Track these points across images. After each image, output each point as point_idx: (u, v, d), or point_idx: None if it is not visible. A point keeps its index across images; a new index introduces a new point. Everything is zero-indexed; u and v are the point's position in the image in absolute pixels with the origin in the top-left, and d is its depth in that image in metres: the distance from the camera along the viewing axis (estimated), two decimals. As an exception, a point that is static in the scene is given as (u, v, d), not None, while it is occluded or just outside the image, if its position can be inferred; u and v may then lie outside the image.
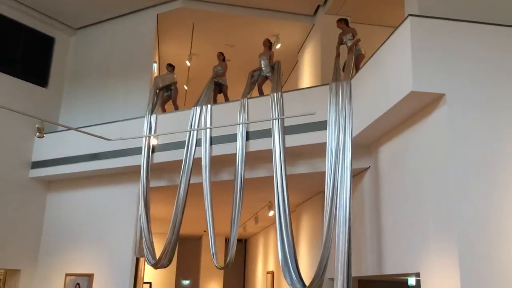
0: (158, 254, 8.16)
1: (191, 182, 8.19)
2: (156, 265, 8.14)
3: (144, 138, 8.60)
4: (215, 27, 11.15)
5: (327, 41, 9.90)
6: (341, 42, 8.00)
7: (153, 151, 8.61)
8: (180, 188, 8.12)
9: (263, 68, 8.95)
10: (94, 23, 11.01)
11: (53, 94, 10.58)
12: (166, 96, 9.74)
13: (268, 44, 9.25)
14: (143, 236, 8.29)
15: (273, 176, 7.34)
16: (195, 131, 8.23)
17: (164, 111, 9.64)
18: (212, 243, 7.79)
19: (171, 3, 10.34)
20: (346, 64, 7.51)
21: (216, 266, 7.82)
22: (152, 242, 8.28)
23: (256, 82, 9.07)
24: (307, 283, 6.55)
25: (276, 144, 7.35)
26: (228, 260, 7.58)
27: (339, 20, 8.12)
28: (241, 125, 7.81)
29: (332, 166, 6.61)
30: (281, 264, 6.88)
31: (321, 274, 6.42)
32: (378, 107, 6.10)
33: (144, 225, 8.29)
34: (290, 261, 6.81)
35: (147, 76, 10.10)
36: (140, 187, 8.54)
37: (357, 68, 7.36)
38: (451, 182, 5.12)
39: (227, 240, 18.01)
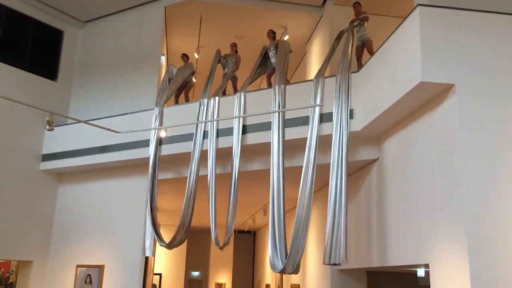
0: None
1: (202, 174, 8.22)
2: (168, 246, 8.35)
3: (153, 130, 8.62)
4: (223, 19, 11.11)
5: (336, 32, 9.77)
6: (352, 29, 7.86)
7: (160, 143, 8.63)
8: (190, 178, 8.16)
9: (272, 60, 8.92)
10: (102, 16, 11.03)
11: (62, 87, 10.64)
12: (184, 87, 9.77)
13: (272, 35, 9.18)
14: (149, 224, 8.42)
15: (287, 167, 7.40)
16: (208, 123, 8.26)
17: (177, 103, 9.66)
18: (213, 230, 7.89)
19: (179, -5, 10.34)
20: (345, 53, 7.43)
21: (216, 246, 7.98)
22: (158, 230, 8.42)
23: (263, 73, 9.05)
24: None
25: (274, 136, 7.37)
26: (224, 242, 7.78)
27: (358, 4, 7.96)
28: (238, 118, 7.85)
29: (305, 158, 6.91)
30: (270, 251, 7.00)
31: (293, 259, 6.62)
32: (386, 98, 6.07)
33: (149, 215, 8.42)
34: (279, 249, 6.92)
35: (156, 68, 10.12)
36: (148, 178, 8.57)
37: (371, 53, 7.30)
38: (460, 173, 5.10)
39: (236, 232, 18.18)
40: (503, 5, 5.91)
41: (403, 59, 5.79)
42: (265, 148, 7.78)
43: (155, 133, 8.62)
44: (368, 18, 7.73)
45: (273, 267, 6.93)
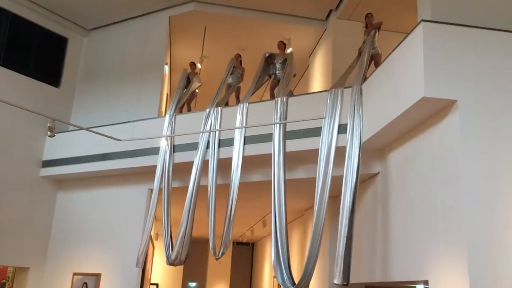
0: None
1: (202, 184, 8.20)
2: (172, 263, 8.31)
3: (168, 138, 8.58)
4: (227, 30, 11.18)
5: (339, 46, 9.88)
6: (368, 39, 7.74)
7: (174, 150, 8.57)
8: (190, 189, 8.14)
9: (277, 72, 8.88)
10: (107, 25, 11.10)
11: (65, 94, 10.67)
12: (189, 97, 9.84)
13: (283, 46, 9.13)
14: (164, 236, 8.34)
15: (287, 180, 7.36)
16: (210, 133, 8.24)
17: (181, 112, 9.69)
18: (212, 239, 7.89)
19: (184, 5, 10.40)
20: (358, 63, 7.40)
21: (213, 256, 8.00)
22: (171, 242, 8.36)
23: (265, 82, 9.02)
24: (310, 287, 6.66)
25: (276, 148, 7.36)
26: (220, 252, 7.77)
27: (371, 15, 7.83)
28: (240, 129, 7.84)
29: (321, 172, 6.73)
30: (274, 265, 7.00)
31: (308, 274, 6.54)
32: (389, 112, 6.07)
33: (166, 226, 8.35)
34: (283, 263, 6.90)
35: (159, 77, 10.16)
36: (154, 187, 8.49)
37: (376, 67, 7.28)
38: (461, 189, 5.07)
39: (234, 244, 18.11)
40: (507, 23, 5.94)
41: (406, 74, 5.79)
42: (264, 160, 7.77)
43: (166, 141, 8.56)
44: (382, 23, 7.66)
45: (283, 284, 6.86)
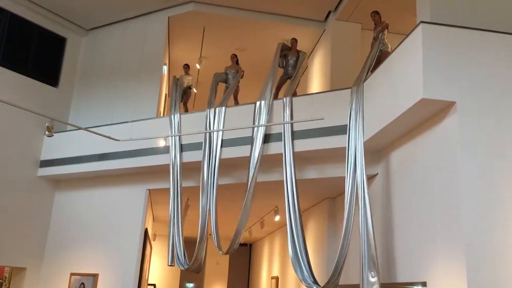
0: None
1: (197, 184, 8.18)
2: (189, 269, 8.23)
3: (173, 137, 8.54)
4: (225, 31, 11.17)
5: (338, 47, 9.90)
6: (376, 37, 7.60)
7: (182, 150, 8.52)
8: (206, 189, 8.07)
9: (289, 69, 8.76)
10: (105, 25, 11.08)
11: (63, 93, 10.64)
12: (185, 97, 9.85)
13: (295, 44, 8.95)
14: (174, 241, 8.26)
15: (281, 180, 7.39)
16: (213, 133, 8.20)
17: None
18: (215, 235, 7.87)
19: (183, 6, 10.40)
20: (366, 61, 7.35)
21: (219, 252, 8.01)
22: (183, 247, 8.28)
23: (280, 86, 8.84)
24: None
25: (286, 148, 7.35)
26: (229, 248, 7.79)
27: (377, 13, 7.69)
28: (257, 127, 7.81)
29: (351, 171, 6.60)
30: (292, 262, 6.98)
31: (336, 275, 6.48)
32: (388, 113, 6.08)
33: (175, 229, 8.28)
34: (301, 259, 6.90)
35: (157, 78, 10.15)
36: (171, 188, 8.46)
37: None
38: (460, 191, 5.08)
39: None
40: (505, 25, 5.95)
41: (405, 76, 5.80)
42: (264, 160, 7.77)
43: (174, 140, 8.51)
44: (388, 25, 7.59)
45: (304, 281, 6.84)
